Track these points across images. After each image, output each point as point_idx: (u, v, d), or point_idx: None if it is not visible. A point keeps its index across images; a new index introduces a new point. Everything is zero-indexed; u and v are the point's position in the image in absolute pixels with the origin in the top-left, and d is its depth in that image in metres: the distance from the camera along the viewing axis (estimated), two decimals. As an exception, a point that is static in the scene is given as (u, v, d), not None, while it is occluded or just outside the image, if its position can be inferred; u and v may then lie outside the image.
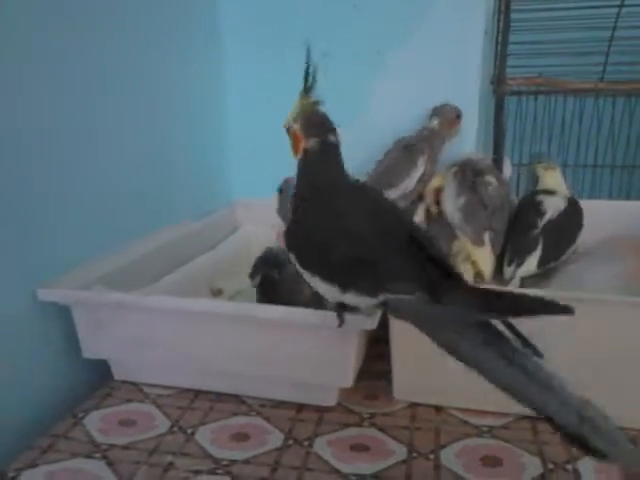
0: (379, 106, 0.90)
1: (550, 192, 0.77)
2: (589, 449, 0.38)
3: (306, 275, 0.49)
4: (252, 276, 0.67)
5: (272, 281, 0.64)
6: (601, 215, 0.84)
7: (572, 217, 0.75)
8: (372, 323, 0.51)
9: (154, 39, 0.78)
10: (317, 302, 0.57)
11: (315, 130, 0.51)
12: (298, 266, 0.49)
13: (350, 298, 0.46)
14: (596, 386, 0.38)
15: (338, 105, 0.93)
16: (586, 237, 0.81)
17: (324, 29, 0.88)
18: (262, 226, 0.90)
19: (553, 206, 0.75)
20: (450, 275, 0.44)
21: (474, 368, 0.41)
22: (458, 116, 0.84)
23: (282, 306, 0.55)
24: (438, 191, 0.82)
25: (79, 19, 0.63)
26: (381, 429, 0.55)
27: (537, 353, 0.39)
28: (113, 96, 0.70)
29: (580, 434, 0.38)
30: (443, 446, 0.52)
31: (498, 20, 0.95)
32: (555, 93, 1.12)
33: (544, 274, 0.76)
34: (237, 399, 0.60)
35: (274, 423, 0.56)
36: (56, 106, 0.61)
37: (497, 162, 1.01)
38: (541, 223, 0.74)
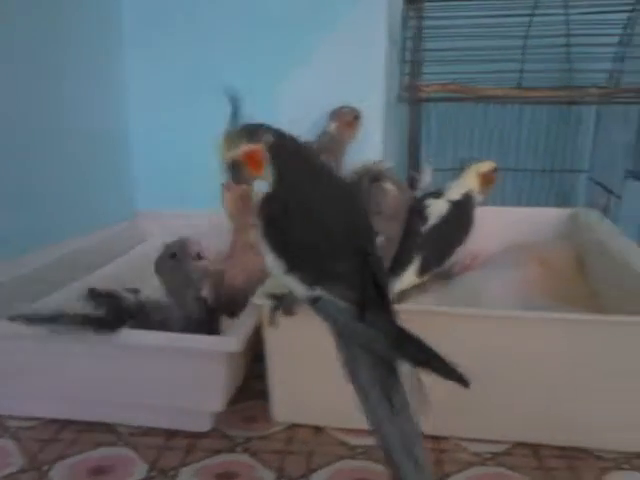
0: (284, 114, 0.88)
1: (437, 195, 0.76)
2: None
3: (262, 245, 0.47)
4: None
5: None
6: (505, 222, 0.85)
7: (457, 220, 0.73)
8: (237, 345, 0.49)
9: (53, 40, 0.75)
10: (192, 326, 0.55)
11: (259, 133, 0.46)
12: (259, 234, 0.47)
13: (290, 281, 0.45)
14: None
15: (245, 114, 0.92)
16: (489, 244, 0.81)
17: (224, 35, 0.86)
18: (168, 238, 0.87)
19: (436, 210, 0.73)
20: (383, 300, 0.43)
21: (362, 402, 0.41)
22: (356, 117, 0.82)
23: (150, 331, 0.52)
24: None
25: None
26: (254, 454, 0.52)
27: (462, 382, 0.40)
28: (6, 100, 0.66)
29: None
30: (314, 470, 0.50)
31: (404, 27, 0.94)
32: (468, 100, 1.12)
33: (441, 280, 0.75)
34: (107, 427, 0.56)
35: (141, 453, 0.53)
36: None
37: (411, 168, 1.01)
38: (424, 229, 0.72)
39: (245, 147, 0.45)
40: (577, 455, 0.51)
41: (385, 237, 0.73)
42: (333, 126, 0.81)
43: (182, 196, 0.91)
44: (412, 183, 0.94)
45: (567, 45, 0.99)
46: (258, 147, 0.45)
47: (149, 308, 0.56)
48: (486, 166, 0.75)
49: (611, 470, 0.49)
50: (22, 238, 0.70)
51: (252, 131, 0.45)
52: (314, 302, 0.44)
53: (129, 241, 0.90)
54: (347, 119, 0.82)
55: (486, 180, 0.75)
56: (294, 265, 0.45)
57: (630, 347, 0.49)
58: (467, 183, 0.75)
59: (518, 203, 1.25)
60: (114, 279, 0.78)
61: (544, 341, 0.50)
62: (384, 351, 0.41)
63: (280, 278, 0.47)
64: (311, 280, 0.44)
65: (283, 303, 0.51)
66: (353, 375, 0.42)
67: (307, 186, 0.46)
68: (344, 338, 0.43)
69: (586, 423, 0.51)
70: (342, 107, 0.82)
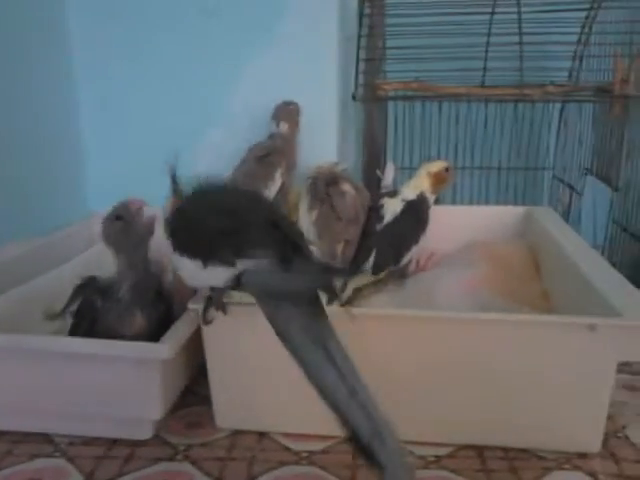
0: (235, 114, 0.87)
1: (393, 194, 0.75)
2: (373, 462, 0.38)
3: (175, 258, 0.49)
4: (68, 303, 0.59)
5: (92, 308, 0.57)
6: (461, 220, 0.85)
7: (411, 218, 0.73)
8: (170, 352, 0.48)
9: (2, 44, 0.72)
10: (147, 334, 0.54)
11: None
12: (172, 251, 0.49)
13: (210, 274, 0.46)
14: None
15: (194, 115, 0.91)
16: (446, 243, 0.81)
17: (177, 34, 0.85)
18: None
19: (391, 209, 0.73)
20: (300, 251, 0.45)
21: (299, 361, 0.41)
22: (299, 112, 0.81)
23: (84, 338, 0.51)
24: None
25: None
26: (194, 462, 0.51)
27: None
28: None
29: (369, 447, 0.38)
30: (254, 477, 0.49)
31: (360, 24, 0.93)
32: (430, 98, 1.12)
33: (396, 279, 0.75)
34: (44, 438, 0.54)
35: (77, 463, 0.51)
36: None
37: (370, 168, 1.01)
38: (378, 228, 0.71)
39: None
40: (519, 456, 0.51)
41: (345, 240, 0.72)
42: (285, 127, 0.79)
43: (136, 195, 0.90)
44: (377, 182, 0.93)
45: (520, 43, 0.99)
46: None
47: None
48: (437, 165, 0.75)
49: (552, 470, 0.49)
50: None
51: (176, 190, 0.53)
52: (239, 280, 0.44)
53: (83, 243, 0.88)
54: (296, 119, 0.80)
55: (438, 179, 0.74)
56: (208, 257, 0.46)
57: (572, 348, 0.49)
58: (419, 183, 0.74)
59: (485, 201, 1.26)
60: (61, 283, 0.77)
61: (485, 342, 0.50)
62: (309, 288, 0.42)
63: (201, 279, 0.48)
64: (228, 260, 0.44)
65: (213, 299, 0.50)
66: (287, 339, 0.42)
67: (205, 200, 0.51)
68: (273, 301, 0.43)
69: (528, 424, 0.51)
70: (286, 103, 0.80)
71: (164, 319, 0.56)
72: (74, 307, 0.58)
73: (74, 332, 0.57)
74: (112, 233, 0.57)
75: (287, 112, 0.80)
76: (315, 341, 0.41)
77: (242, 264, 0.44)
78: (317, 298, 0.43)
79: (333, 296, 0.44)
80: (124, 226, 0.57)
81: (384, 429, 0.38)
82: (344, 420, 0.39)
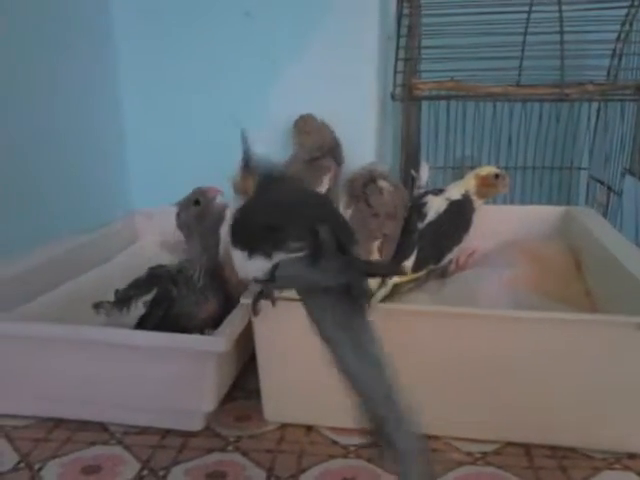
0: (276, 115, 0.88)
1: (438, 192, 0.76)
2: (388, 447, 0.38)
3: (232, 250, 0.51)
4: (140, 291, 0.63)
5: (169, 297, 0.60)
6: (501, 219, 0.85)
7: (455, 218, 0.73)
8: (226, 345, 0.50)
9: (47, 45, 0.75)
10: (216, 318, 0.57)
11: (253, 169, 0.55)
12: (230, 244, 0.52)
13: (253, 264, 0.48)
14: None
15: (234, 111, 0.92)
16: (484, 243, 0.81)
17: (218, 36, 0.87)
18: (164, 238, 0.87)
19: (435, 207, 0.73)
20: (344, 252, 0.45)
21: (330, 348, 0.42)
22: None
23: (142, 331, 0.53)
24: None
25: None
26: (244, 453, 0.53)
27: None
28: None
29: (384, 431, 0.38)
30: (304, 469, 0.50)
31: (398, 24, 0.94)
32: (466, 98, 1.12)
33: (437, 277, 0.75)
34: (101, 427, 0.57)
35: (133, 452, 0.53)
36: None
37: (407, 167, 1.01)
38: (421, 226, 0.72)
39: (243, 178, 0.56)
40: (567, 455, 0.51)
41: (383, 235, 0.73)
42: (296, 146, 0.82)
43: (177, 195, 0.92)
44: (412, 182, 0.94)
45: (561, 42, 0.98)
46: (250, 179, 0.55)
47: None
48: (486, 170, 0.75)
49: (602, 470, 0.49)
50: (17, 238, 0.71)
51: (249, 167, 0.55)
52: (275, 271, 0.46)
53: (124, 241, 0.91)
54: (304, 131, 0.83)
55: (484, 183, 0.74)
56: (252, 249, 0.48)
57: (619, 347, 0.49)
58: (465, 183, 0.75)
59: (521, 201, 1.25)
60: (108, 279, 0.79)
61: (535, 340, 0.50)
62: (336, 284, 0.43)
63: (245, 270, 0.50)
64: (266, 252, 0.46)
65: (264, 292, 0.51)
66: (319, 327, 0.43)
67: (266, 198, 0.53)
68: (307, 294, 0.45)
69: (576, 423, 0.51)
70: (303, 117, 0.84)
71: (225, 305, 0.59)
72: (148, 297, 0.61)
73: (147, 321, 0.59)
74: (189, 217, 0.61)
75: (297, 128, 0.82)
76: (346, 331, 0.42)
77: (277, 256, 0.46)
78: (354, 290, 0.44)
79: (363, 291, 0.45)
80: (201, 211, 0.60)
81: (401, 414, 0.38)
82: (364, 403, 0.39)
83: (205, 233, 0.61)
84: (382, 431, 0.38)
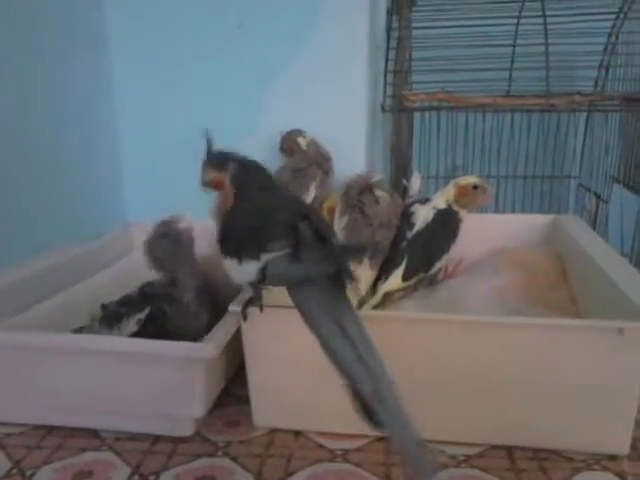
0: (268, 126, 0.90)
1: (424, 201, 0.77)
2: (373, 421, 0.41)
3: (223, 261, 0.53)
4: (133, 309, 0.63)
5: (163, 316, 0.62)
6: (489, 228, 0.86)
7: (442, 227, 0.74)
8: (214, 351, 0.51)
9: (40, 54, 0.76)
10: (207, 331, 0.57)
11: (225, 164, 0.56)
12: (221, 253, 0.53)
13: (244, 268, 0.49)
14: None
15: (227, 125, 0.94)
16: (472, 251, 0.82)
17: (211, 49, 0.88)
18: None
19: (422, 216, 0.74)
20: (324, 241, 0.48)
21: (315, 332, 0.44)
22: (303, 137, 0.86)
23: (130, 338, 0.54)
24: (331, 210, 0.82)
25: None
26: (234, 458, 0.54)
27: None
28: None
29: (370, 405, 0.41)
30: (291, 473, 0.51)
31: (388, 37, 0.96)
32: (456, 109, 1.13)
33: (426, 286, 0.76)
34: (92, 433, 0.57)
35: (124, 457, 0.54)
36: None
37: (397, 177, 1.03)
38: (410, 234, 0.73)
39: (213, 175, 0.56)
40: (549, 456, 0.52)
41: (378, 244, 0.74)
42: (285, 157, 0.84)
43: (172, 207, 0.93)
44: (403, 191, 0.95)
45: (546, 53, 1.01)
46: (222, 176, 0.55)
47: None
48: (465, 179, 0.75)
49: (582, 470, 0.51)
50: (11, 248, 0.72)
51: (219, 162, 0.56)
52: (264, 272, 0.47)
53: (119, 252, 0.92)
54: (293, 146, 0.85)
55: (462, 193, 0.74)
56: (241, 254, 0.49)
57: (601, 351, 0.50)
58: (446, 194, 0.76)
59: (512, 209, 1.26)
60: (102, 289, 0.80)
61: (519, 345, 0.52)
62: (320, 273, 0.45)
63: (238, 275, 0.51)
64: (254, 254, 0.48)
65: (253, 299, 0.53)
66: (306, 314, 0.45)
67: (252, 199, 0.54)
68: (295, 287, 0.46)
69: (557, 425, 0.52)
70: (288, 133, 0.85)
71: (216, 315, 0.60)
72: (140, 315, 0.62)
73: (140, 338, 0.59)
74: (164, 253, 0.62)
75: (286, 142, 0.84)
76: (331, 315, 0.44)
77: (265, 257, 0.48)
78: (337, 278, 0.46)
79: (348, 276, 0.46)
80: (172, 241, 0.62)
81: (387, 391, 0.41)
82: (349, 380, 0.42)
83: (185, 258, 0.62)
84: (364, 402, 0.41)
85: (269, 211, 0.51)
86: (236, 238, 0.51)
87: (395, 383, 0.41)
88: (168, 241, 0.62)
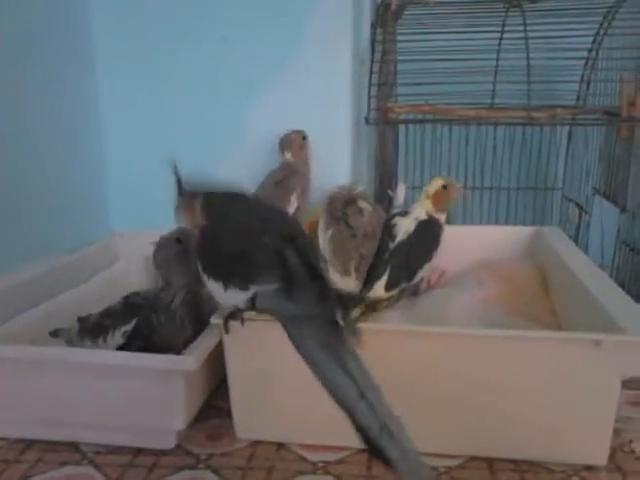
0: (253, 138, 0.90)
1: (404, 214, 0.78)
2: (384, 458, 0.41)
3: (204, 279, 0.53)
4: (118, 321, 0.62)
5: (150, 327, 0.61)
6: (471, 240, 0.87)
7: (424, 236, 0.75)
8: (195, 364, 0.51)
9: (26, 69, 0.77)
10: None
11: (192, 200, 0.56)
12: (201, 272, 0.53)
13: (231, 295, 0.50)
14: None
15: (210, 138, 0.95)
16: (456, 262, 0.83)
17: (195, 61, 0.89)
18: (143, 260, 0.88)
19: (404, 228, 0.75)
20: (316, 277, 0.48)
21: (313, 370, 0.44)
22: (304, 138, 0.85)
23: (110, 350, 0.54)
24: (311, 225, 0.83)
25: None
26: (215, 471, 0.54)
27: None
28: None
29: (378, 442, 0.41)
30: (272, 486, 0.51)
31: (372, 50, 0.97)
32: (440, 121, 1.15)
33: (409, 296, 0.77)
34: (72, 447, 0.57)
35: (104, 471, 0.53)
36: None
37: (382, 189, 1.03)
38: (392, 245, 0.74)
39: (184, 210, 0.57)
40: (529, 468, 0.53)
41: (360, 254, 0.74)
42: (288, 155, 0.84)
43: (157, 217, 0.93)
44: (388, 202, 0.96)
45: (528, 66, 1.03)
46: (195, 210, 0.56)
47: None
48: (434, 186, 0.76)
49: (561, 482, 0.51)
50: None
51: (188, 201, 0.56)
52: (253, 301, 0.48)
53: (104, 261, 0.92)
54: (298, 143, 0.84)
55: (438, 199, 0.76)
56: (228, 281, 0.49)
57: (579, 363, 0.51)
58: (423, 205, 0.77)
59: (495, 221, 1.28)
60: (87, 299, 0.79)
61: (494, 358, 0.52)
62: (311, 314, 0.45)
63: (225, 299, 0.51)
64: (242, 284, 0.48)
65: (235, 313, 0.53)
66: (303, 350, 0.44)
67: (228, 222, 0.54)
68: (285, 319, 0.46)
69: (536, 437, 0.53)
70: (288, 134, 0.85)
71: (200, 330, 0.60)
72: (126, 327, 0.61)
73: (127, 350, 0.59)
74: (170, 254, 0.65)
75: (289, 141, 0.84)
76: (328, 350, 0.44)
77: (253, 289, 0.48)
78: (331, 313, 0.46)
79: (344, 313, 0.46)
80: (182, 249, 0.64)
81: (393, 426, 0.41)
82: (353, 418, 0.41)
83: (186, 270, 0.63)
84: (371, 440, 0.41)
85: (253, 234, 0.51)
86: (220, 262, 0.51)
87: (400, 417, 0.41)
88: (178, 246, 0.64)
